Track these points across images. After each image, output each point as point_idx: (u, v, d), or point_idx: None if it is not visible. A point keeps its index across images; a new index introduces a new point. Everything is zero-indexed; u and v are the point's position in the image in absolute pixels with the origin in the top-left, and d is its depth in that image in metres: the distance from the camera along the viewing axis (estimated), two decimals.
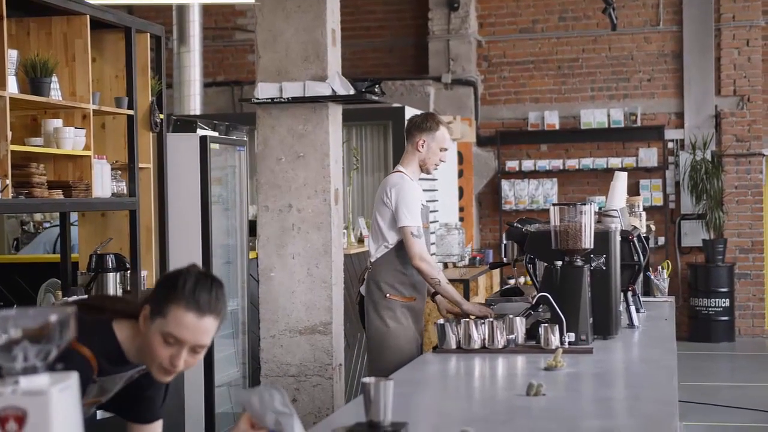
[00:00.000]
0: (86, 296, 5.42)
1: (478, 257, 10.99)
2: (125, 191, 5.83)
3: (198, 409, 6.41)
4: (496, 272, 11.16)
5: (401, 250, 5.34)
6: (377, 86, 6.04)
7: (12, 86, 4.94)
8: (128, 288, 5.81)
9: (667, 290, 6.63)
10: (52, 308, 1.93)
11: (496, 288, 10.66)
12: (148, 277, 6.06)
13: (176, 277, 2.77)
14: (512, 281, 10.46)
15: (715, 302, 12.61)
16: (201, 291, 2.73)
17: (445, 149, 5.51)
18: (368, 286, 5.49)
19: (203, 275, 2.80)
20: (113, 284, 5.61)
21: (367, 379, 2.80)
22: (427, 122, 5.49)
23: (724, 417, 8.57)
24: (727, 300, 12.64)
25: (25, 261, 7.19)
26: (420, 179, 5.54)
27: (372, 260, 5.50)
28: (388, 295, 5.40)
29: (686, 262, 13.10)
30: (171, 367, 2.75)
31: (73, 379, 1.89)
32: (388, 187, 5.39)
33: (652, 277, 6.60)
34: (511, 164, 13.36)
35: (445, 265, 10.38)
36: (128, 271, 5.78)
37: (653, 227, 12.35)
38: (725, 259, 12.77)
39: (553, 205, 4.68)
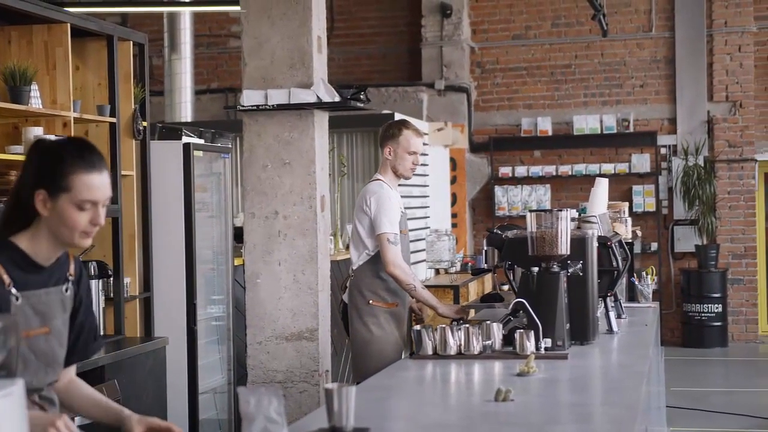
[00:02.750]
0: None
1: (470, 263, 10.98)
2: None
3: (181, 415, 6.40)
4: (488, 278, 11.16)
5: None
6: (363, 93, 6.04)
7: None
8: (111, 295, 5.83)
9: (651, 296, 6.61)
10: None
11: None
12: (131, 284, 6.08)
13: (56, 151, 2.83)
14: (506, 287, 10.44)
15: (708, 308, 12.61)
16: (86, 152, 2.84)
17: (414, 152, 5.53)
18: (351, 294, 5.52)
19: (74, 140, 2.92)
20: (95, 291, 5.62)
21: (329, 385, 2.83)
22: (389, 130, 5.56)
23: (716, 422, 8.57)
24: (720, 305, 12.64)
25: None
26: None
27: (354, 268, 5.54)
28: (371, 301, 5.45)
29: (679, 267, 13.10)
30: (91, 228, 2.84)
31: (17, 385, 1.91)
32: (368, 196, 5.43)
33: (636, 282, 6.60)
34: (505, 170, 13.36)
35: (437, 272, 10.38)
36: (111, 278, 5.80)
37: (639, 233, 12.35)
38: (718, 265, 12.76)
39: (530, 211, 4.70)
